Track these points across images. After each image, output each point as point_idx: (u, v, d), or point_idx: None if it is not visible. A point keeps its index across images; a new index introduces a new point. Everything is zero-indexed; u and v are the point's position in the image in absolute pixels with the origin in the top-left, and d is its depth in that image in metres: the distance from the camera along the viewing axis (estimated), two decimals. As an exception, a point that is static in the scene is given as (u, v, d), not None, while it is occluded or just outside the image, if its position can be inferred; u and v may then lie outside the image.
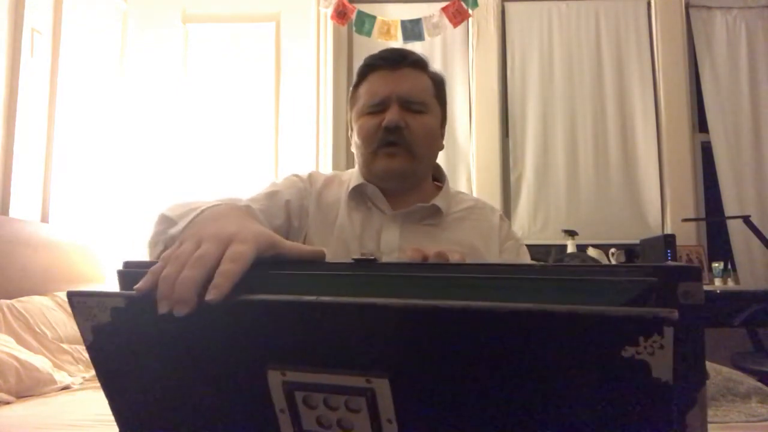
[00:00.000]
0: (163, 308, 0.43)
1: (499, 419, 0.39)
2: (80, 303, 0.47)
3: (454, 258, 0.67)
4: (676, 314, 0.33)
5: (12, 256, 2.22)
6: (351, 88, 1.07)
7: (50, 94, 2.63)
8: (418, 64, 1.03)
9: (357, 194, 1.03)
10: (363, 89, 1.03)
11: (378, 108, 0.99)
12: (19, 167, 2.41)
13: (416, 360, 0.40)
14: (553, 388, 0.37)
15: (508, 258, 1.03)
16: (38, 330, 2.01)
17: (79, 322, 0.47)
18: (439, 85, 1.06)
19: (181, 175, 3.25)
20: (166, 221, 0.80)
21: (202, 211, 0.71)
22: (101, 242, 2.88)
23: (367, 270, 0.46)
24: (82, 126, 2.86)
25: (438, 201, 1.02)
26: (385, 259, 0.95)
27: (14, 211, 2.37)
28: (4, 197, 2.35)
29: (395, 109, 0.97)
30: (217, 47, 3.39)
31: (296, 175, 1.07)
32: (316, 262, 0.51)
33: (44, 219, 2.57)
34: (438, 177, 1.12)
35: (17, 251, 2.26)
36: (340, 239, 0.98)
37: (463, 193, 1.14)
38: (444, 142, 1.11)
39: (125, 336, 0.47)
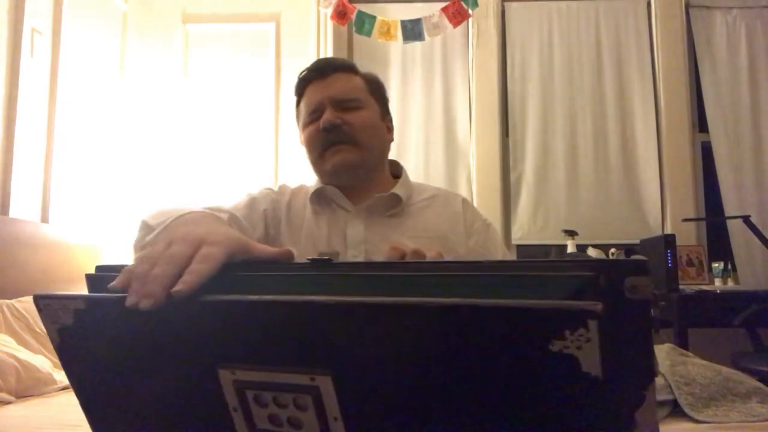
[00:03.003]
0: (130, 301, 0.43)
1: (439, 414, 0.39)
2: (46, 306, 0.47)
3: (431, 255, 0.68)
4: (600, 306, 0.33)
5: (12, 256, 2.22)
6: (295, 108, 1.13)
7: (50, 94, 2.63)
8: (345, 67, 1.09)
9: (319, 197, 1.07)
10: (302, 104, 1.09)
11: (316, 115, 1.04)
12: (19, 167, 2.41)
13: (356, 357, 0.40)
14: (488, 383, 0.38)
15: (478, 240, 1.05)
16: (38, 330, 2.01)
17: (46, 325, 0.48)
18: (373, 83, 1.11)
19: (181, 175, 3.25)
20: (146, 228, 0.83)
21: (176, 218, 0.76)
22: (101, 242, 2.88)
23: (321, 270, 0.47)
24: (82, 126, 2.86)
25: (396, 190, 1.05)
26: (351, 253, 0.99)
27: (14, 211, 2.37)
28: (4, 197, 2.35)
29: (329, 110, 1.02)
30: (217, 47, 3.39)
31: (269, 188, 1.13)
32: (280, 262, 0.52)
33: (44, 219, 2.57)
34: (397, 173, 1.15)
35: (17, 251, 2.26)
36: (309, 241, 1.02)
37: (424, 184, 1.17)
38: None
39: (89, 337, 0.47)
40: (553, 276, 0.39)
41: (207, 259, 0.46)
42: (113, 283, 0.46)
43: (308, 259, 0.47)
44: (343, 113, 1.03)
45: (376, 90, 1.11)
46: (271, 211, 1.06)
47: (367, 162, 1.05)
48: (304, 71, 1.10)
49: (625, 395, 0.37)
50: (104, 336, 0.47)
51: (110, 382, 0.49)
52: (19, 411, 1.55)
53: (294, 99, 1.13)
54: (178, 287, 0.43)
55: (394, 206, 1.05)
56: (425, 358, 0.39)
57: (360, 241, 1.00)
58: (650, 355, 0.38)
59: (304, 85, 1.09)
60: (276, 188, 1.13)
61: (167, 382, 0.47)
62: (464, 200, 1.12)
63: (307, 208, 1.07)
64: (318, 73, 1.07)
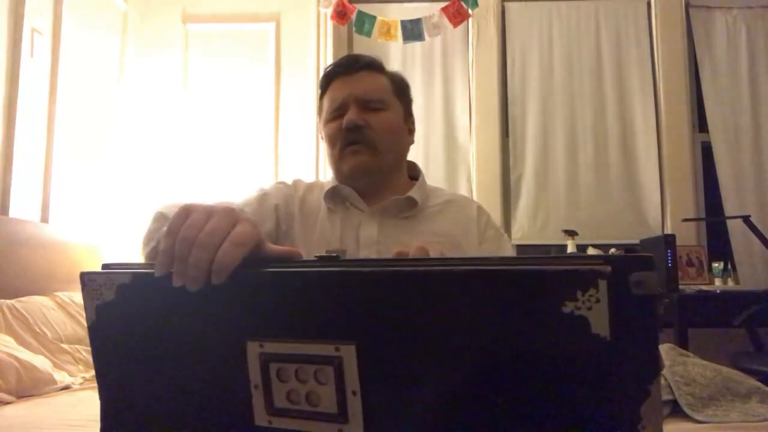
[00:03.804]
0: (177, 282, 0.46)
1: (453, 385, 0.41)
2: (90, 281, 0.51)
3: (434, 253, 0.69)
4: (609, 268, 0.36)
5: (12, 256, 2.22)
6: (318, 101, 1.12)
7: (50, 94, 2.63)
8: (373, 65, 1.07)
9: (334, 196, 1.06)
10: (326, 98, 1.08)
11: (339, 112, 1.03)
12: (19, 167, 2.41)
13: (380, 326, 0.43)
14: (505, 351, 0.40)
15: (489, 248, 1.05)
16: (38, 330, 2.01)
17: (86, 302, 0.51)
18: (398, 83, 1.09)
19: (181, 176, 3.26)
20: (162, 219, 0.81)
21: None
22: (101, 242, 2.88)
23: (329, 266, 0.48)
24: (82, 126, 2.86)
25: (412, 193, 1.05)
26: (363, 253, 0.99)
27: (14, 211, 2.37)
28: (4, 197, 2.35)
29: (353, 110, 1.01)
30: (217, 47, 3.39)
31: (282, 182, 1.12)
32: (288, 260, 0.53)
33: (44, 219, 2.57)
34: (414, 175, 1.14)
35: (17, 251, 2.26)
36: (322, 240, 1.01)
37: (441, 188, 1.17)
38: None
39: (125, 313, 0.50)
40: (563, 263, 0.40)
41: (241, 242, 0.47)
42: (156, 267, 0.48)
43: (316, 257, 0.48)
44: (366, 114, 1.02)
45: (401, 91, 1.10)
46: (283, 206, 1.05)
47: (384, 166, 1.04)
48: (330, 66, 1.09)
49: (630, 385, 0.37)
50: (141, 311, 0.50)
51: (136, 363, 0.51)
52: (19, 411, 1.55)
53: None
54: (215, 279, 0.46)
55: (409, 209, 1.04)
56: (444, 325, 0.41)
57: (373, 241, 1.00)
58: (655, 351, 0.38)
59: (329, 79, 1.07)
60: (290, 182, 1.12)
61: (194, 359, 0.48)
62: (479, 207, 1.11)
63: (321, 206, 1.06)
64: (345, 69, 1.06)
